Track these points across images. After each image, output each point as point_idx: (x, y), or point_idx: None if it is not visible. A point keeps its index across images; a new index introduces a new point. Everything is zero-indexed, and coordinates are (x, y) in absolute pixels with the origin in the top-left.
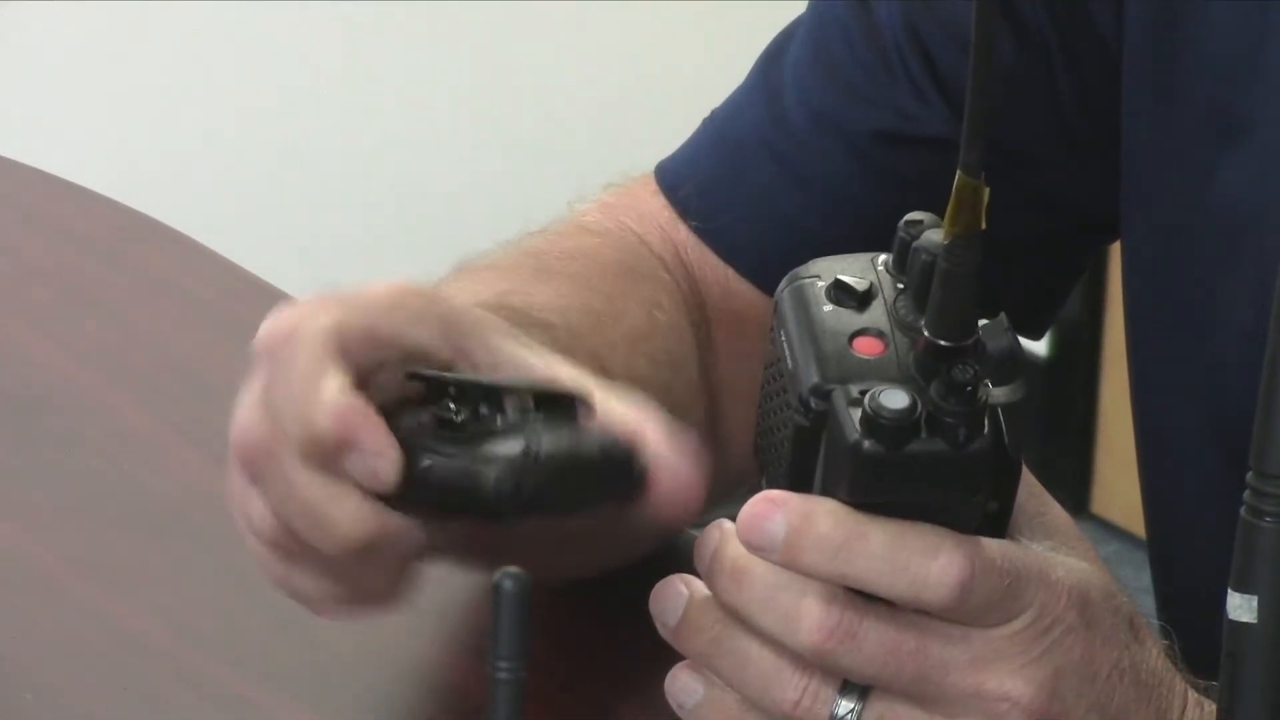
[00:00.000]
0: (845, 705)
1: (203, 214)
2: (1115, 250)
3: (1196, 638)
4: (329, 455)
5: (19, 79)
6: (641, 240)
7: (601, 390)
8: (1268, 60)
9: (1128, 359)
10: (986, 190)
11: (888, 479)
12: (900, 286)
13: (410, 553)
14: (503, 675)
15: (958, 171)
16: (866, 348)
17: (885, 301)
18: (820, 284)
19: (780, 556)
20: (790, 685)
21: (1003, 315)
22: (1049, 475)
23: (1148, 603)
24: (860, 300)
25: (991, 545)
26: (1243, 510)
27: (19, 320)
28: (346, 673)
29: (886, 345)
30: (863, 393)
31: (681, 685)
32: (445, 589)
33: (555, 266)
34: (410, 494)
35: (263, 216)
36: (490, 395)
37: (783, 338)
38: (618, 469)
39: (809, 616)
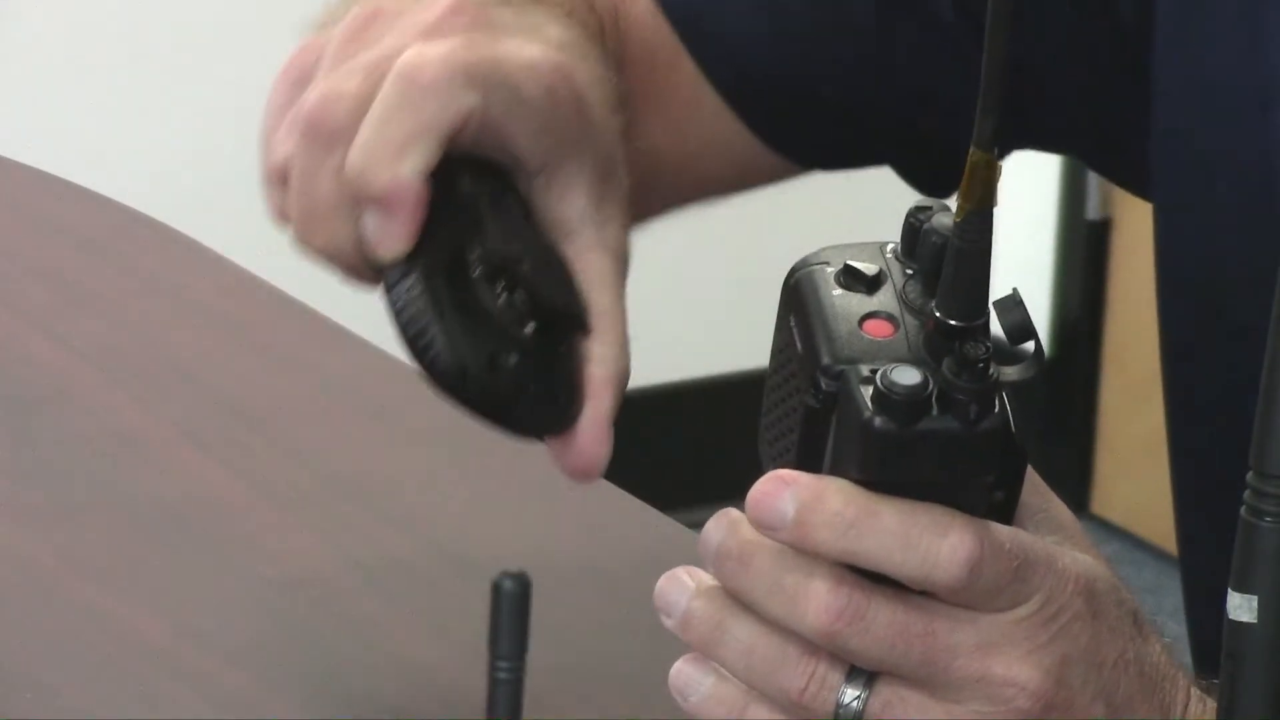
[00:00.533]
0: (851, 692)
1: (203, 214)
2: (1115, 250)
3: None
4: (357, 194)
5: (19, 79)
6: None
7: (604, 336)
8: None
9: (1160, 351)
10: (1000, 166)
11: (899, 457)
12: (909, 272)
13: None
14: (503, 675)
15: (971, 147)
16: (877, 330)
17: (894, 286)
18: (829, 270)
19: (790, 534)
20: (796, 672)
21: (1015, 290)
22: (1049, 475)
23: (1148, 602)
24: (869, 285)
25: (1000, 529)
26: (1243, 510)
27: (19, 320)
28: (346, 673)
29: (897, 327)
30: (874, 371)
31: (686, 678)
32: (445, 589)
33: None
34: (385, 287)
35: (262, 216)
36: (516, 272)
37: (792, 323)
38: (550, 413)
39: (816, 599)
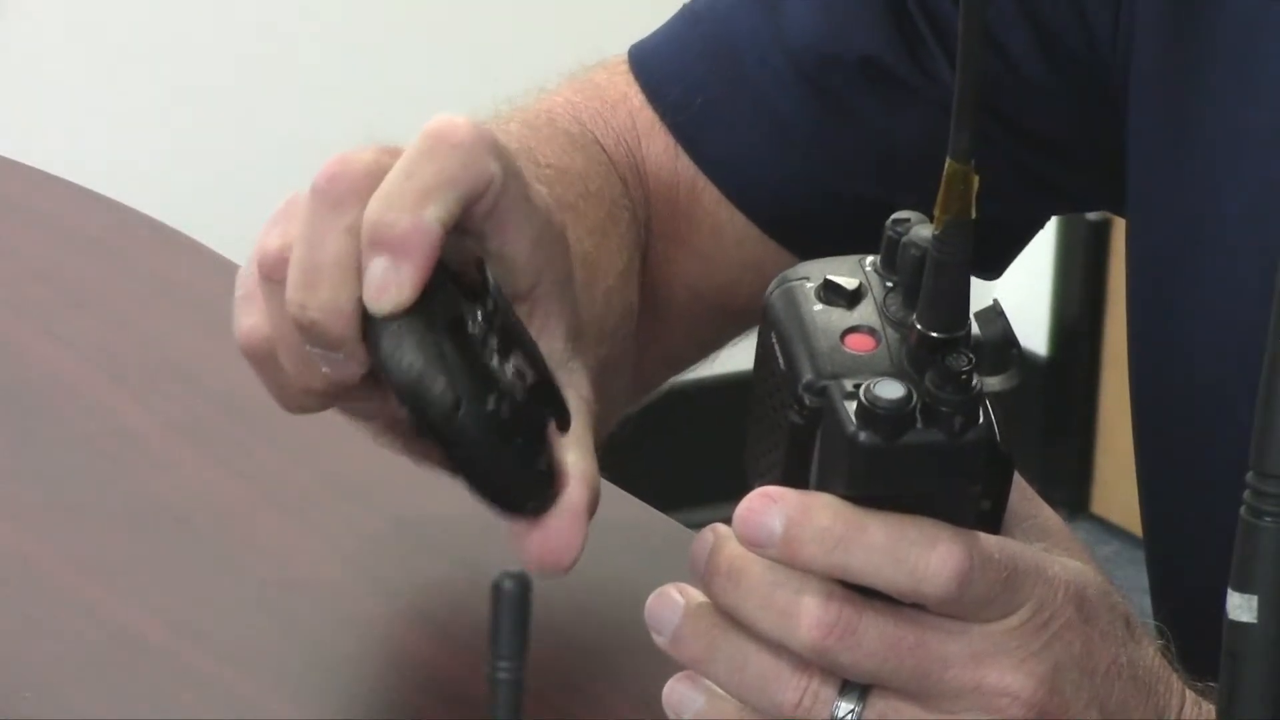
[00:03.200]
0: (845, 706)
1: (203, 214)
2: (1115, 250)
3: (1193, 637)
4: (369, 245)
5: (19, 79)
6: (609, 160)
7: (579, 430)
8: (1272, 56)
9: (1128, 355)
10: (976, 178)
11: (885, 471)
12: (889, 285)
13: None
14: (503, 675)
15: (947, 159)
16: (859, 344)
17: (875, 300)
18: (809, 285)
19: (778, 551)
20: (789, 686)
21: (996, 301)
22: (1049, 475)
23: (1145, 603)
24: (850, 299)
25: (988, 539)
26: (1242, 510)
27: (19, 320)
28: (346, 673)
29: (878, 341)
30: (857, 386)
31: (679, 697)
32: (445, 589)
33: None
34: (374, 336)
35: (262, 216)
36: (512, 339)
37: (773, 339)
38: (531, 480)
39: (808, 614)
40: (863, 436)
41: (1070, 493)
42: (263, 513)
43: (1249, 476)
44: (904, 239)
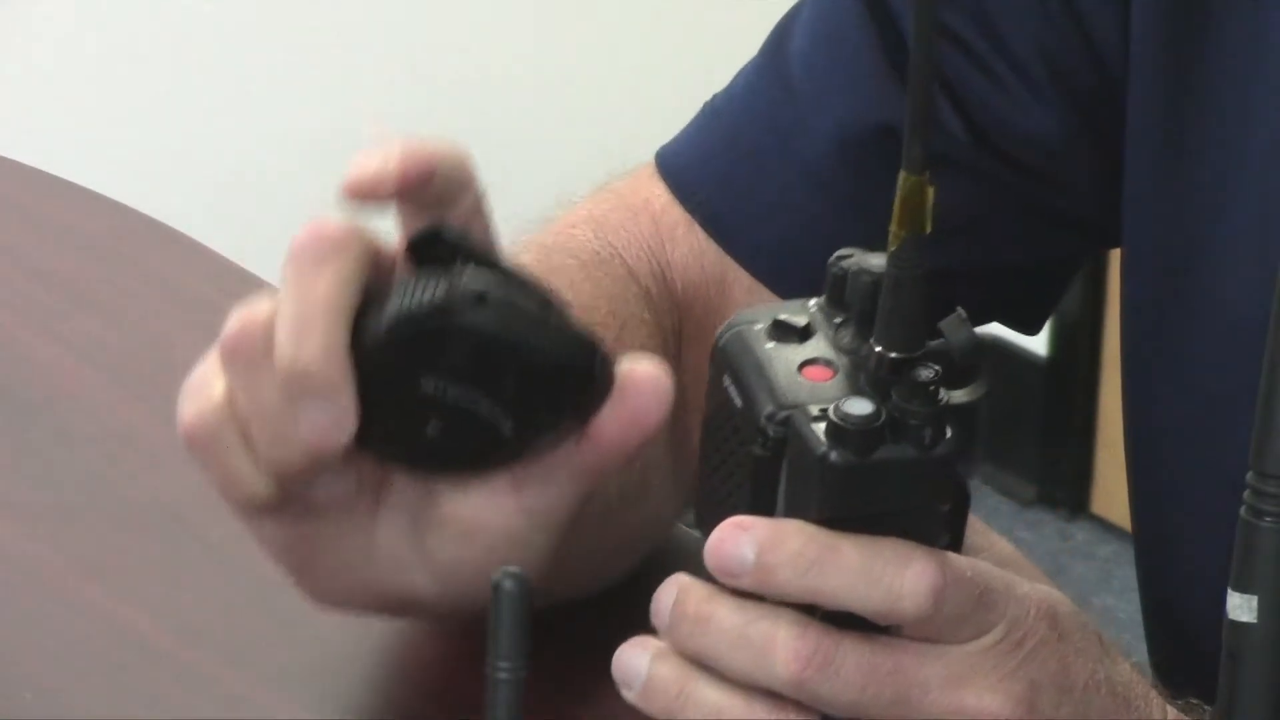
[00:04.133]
0: None
1: (203, 214)
2: (1115, 250)
3: (1185, 638)
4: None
5: (19, 79)
6: (629, 272)
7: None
8: (1270, 71)
9: (1122, 362)
10: (931, 190)
11: (858, 489)
12: (838, 321)
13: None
14: (503, 675)
15: (901, 172)
16: (816, 374)
17: (826, 335)
18: (759, 326)
19: (752, 579)
20: None
21: (960, 310)
22: (1049, 475)
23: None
24: (801, 335)
25: (959, 558)
26: (1242, 510)
27: (19, 320)
28: (346, 673)
29: (835, 371)
30: (823, 410)
31: None
32: None
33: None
34: (369, 345)
35: (262, 216)
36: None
37: (726, 381)
38: (583, 353)
39: (784, 647)
40: (834, 455)
41: (1070, 493)
42: None
43: (1249, 476)
44: (854, 268)
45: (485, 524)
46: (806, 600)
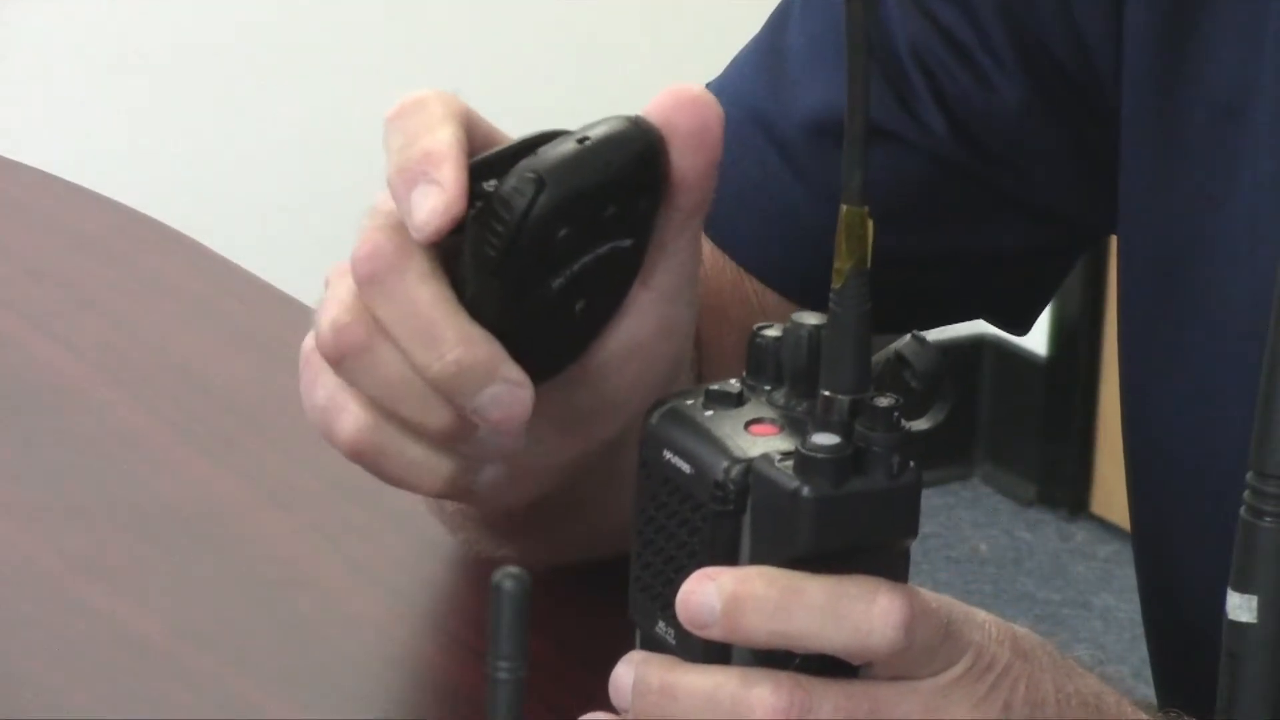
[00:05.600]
0: None
1: (203, 214)
2: (1115, 250)
3: (1186, 638)
4: (402, 187)
5: (19, 79)
6: None
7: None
8: (1265, 64)
9: (1120, 360)
10: (871, 223)
11: (831, 523)
12: (767, 388)
13: (517, 408)
14: (503, 675)
15: (842, 204)
16: (764, 430)
17: (760, 398)
18: (690, 401)
19: (721, 627)
20: None
21: (915, 333)
22: (1049, 475)
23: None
24: (737, 400)
25: (921, 590)
26: (1242, 510)
27: (19, 320)
28: (346, 673)
29: (780, 427)
30: (785, 454)
31: None
32: (445, 589)
33: None
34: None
35: (263, 216)
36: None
37: (667, 456)
38: (634, 138)
39: (760, 703)
40: (806, 490)
41: (1070, 493)
42: (263, 513)
43: (1249, 477)
44: (789, 324)
45: (638, 337)
46: (777, 644)
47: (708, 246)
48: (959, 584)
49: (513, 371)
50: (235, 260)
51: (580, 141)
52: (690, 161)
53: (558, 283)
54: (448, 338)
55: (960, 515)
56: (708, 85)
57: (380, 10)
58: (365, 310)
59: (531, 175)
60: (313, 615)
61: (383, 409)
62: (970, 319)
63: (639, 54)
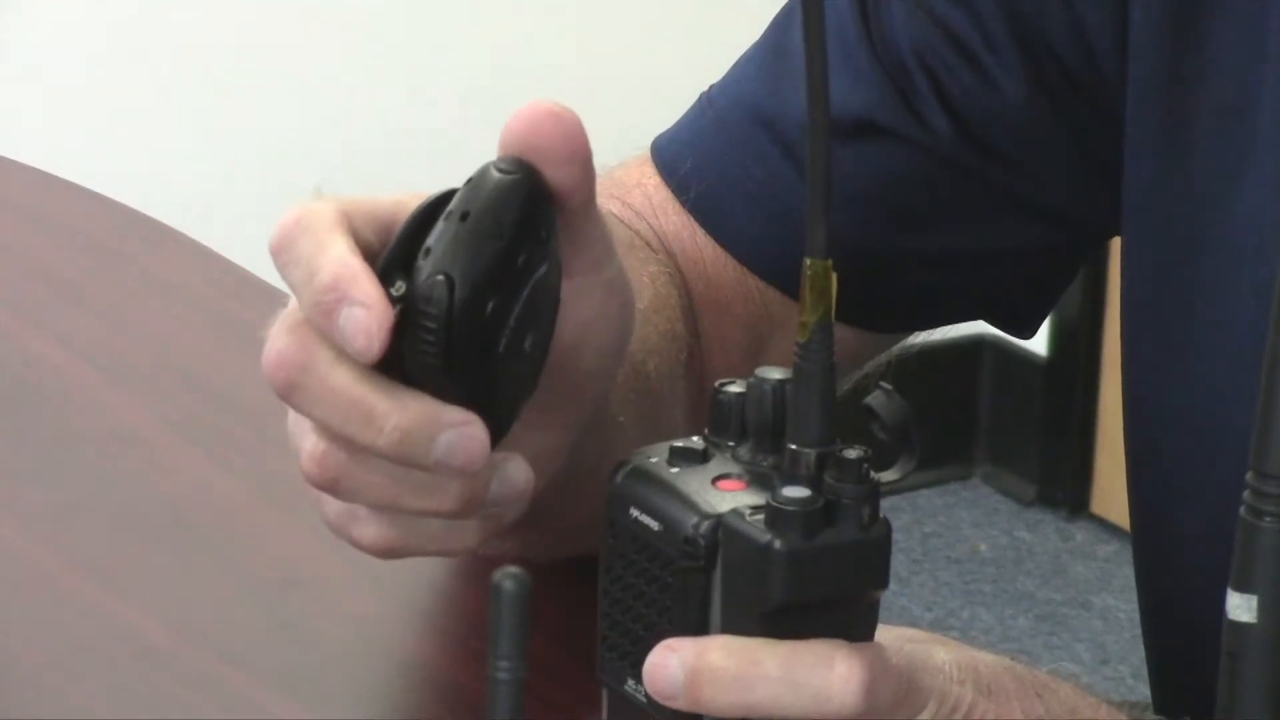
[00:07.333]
0: None
1: (203, 214)
2: (1115, 251)
3: (1185, 638)
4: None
5: (19, 79)
6: (621, 223)
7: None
8: (1269, 64)
9: (1122, 360)
10: (835, 275)
11: (803, 576)
12: (731, 444)
13: (474, 456)
14: (503, 675)
15: (805, 259)
16: (731, 486)
17: (724, 456)
18: (655, 459)
19: (684, 699)
20: None
21: (884, 385)
22: (1049, 475)
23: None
24: (702, 457)
25: (879, 645)
26: (1242, 510)
27: (18, 319)
28: (346, 673)
29: (747, 483)
30: (755, 509)
31: None
32: (445, 589)
33: None
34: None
35: (262, 216)
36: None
37: (634, 514)
38: (518, 181)
39: None
40: (778, 544)
41: (1070, 493)
42: (263, 513)
43: (1249, 477)
44: (751, 380)
45: (585, 316)
46: (741, 714)
47: (710, 244)
48: (959, 584)
49: (454, 414)
50: (235, 260)
51: (464, 218)
52: (566, 171)
53: (503, 342)
54: (379, 409)
55: (960, 515)
56: (710, 88)
57: (381, 10)
58: (336, 435)
59: (441, 278)
60: (313, 615)
61: (393, 507)
62: (972, 319)
63: (639, 54)
